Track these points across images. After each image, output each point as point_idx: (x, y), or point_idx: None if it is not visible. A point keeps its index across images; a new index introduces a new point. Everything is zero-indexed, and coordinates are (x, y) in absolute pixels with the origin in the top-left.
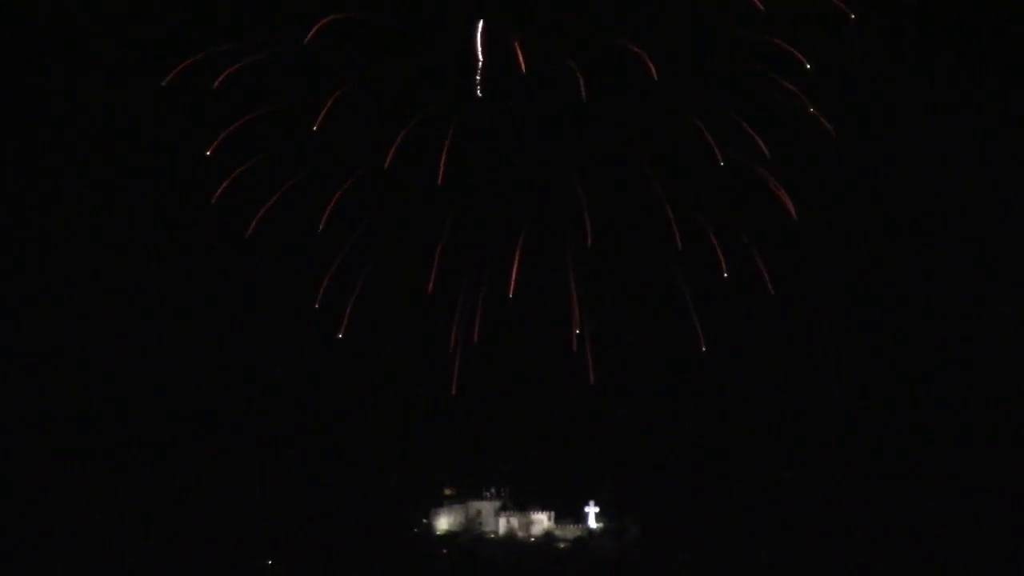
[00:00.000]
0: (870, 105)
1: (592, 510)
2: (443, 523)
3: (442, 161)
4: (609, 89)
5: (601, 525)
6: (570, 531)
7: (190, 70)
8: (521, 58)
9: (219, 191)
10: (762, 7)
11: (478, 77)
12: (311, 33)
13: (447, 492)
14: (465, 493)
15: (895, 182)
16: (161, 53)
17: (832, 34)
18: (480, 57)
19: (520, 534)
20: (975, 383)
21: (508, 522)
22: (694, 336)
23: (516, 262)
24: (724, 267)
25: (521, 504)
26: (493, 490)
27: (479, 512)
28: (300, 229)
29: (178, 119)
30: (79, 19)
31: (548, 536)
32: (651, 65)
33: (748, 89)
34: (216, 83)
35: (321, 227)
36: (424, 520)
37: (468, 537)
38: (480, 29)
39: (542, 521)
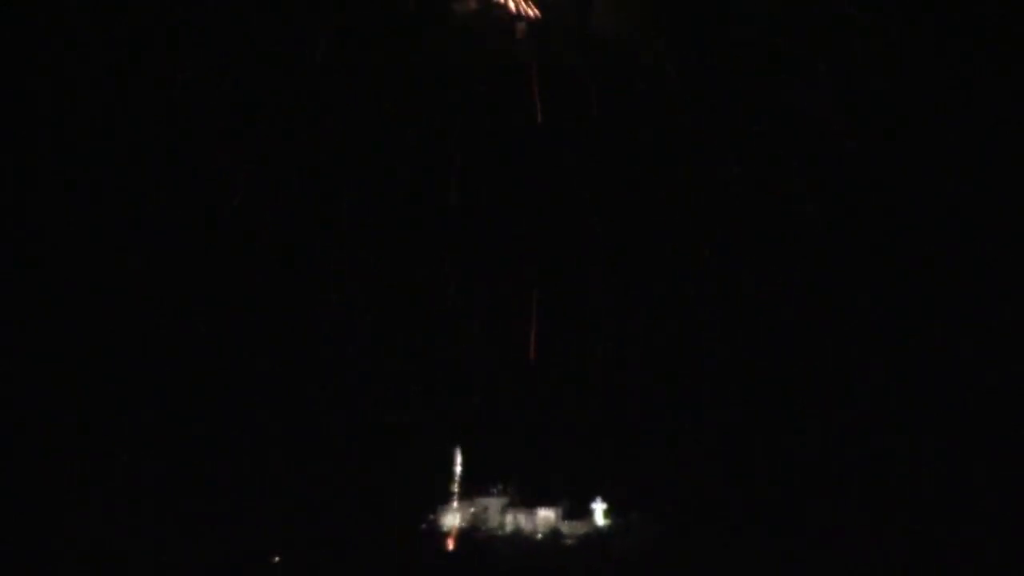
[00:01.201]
0: (889, 109)
1: (600, 507)
2: (449, 520)
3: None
4: (621, 94)
5: (609, 522)
6: (577, 528)
7: (189, 72)
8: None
9: (235, 201)
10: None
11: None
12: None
13: (453, 489)
14: (471, 490)
15: (918, 189)
16: (156, 54)
17: (845, 35)
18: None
19: (527, 531)
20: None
21: (515, 519)
22: (710, 341)
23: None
24: (745, 278)
25: (528, 501)
26: (500, 487)
27: (485, 509)
28: (305, 237)
29: (176, 122)
30: (77, 20)
31: (555, 533)
32: (669, 68)
33: (761, 94)
34: (216, 86)
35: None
36: (431, 516)
37: (475, 534)
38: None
39: (549, 518)
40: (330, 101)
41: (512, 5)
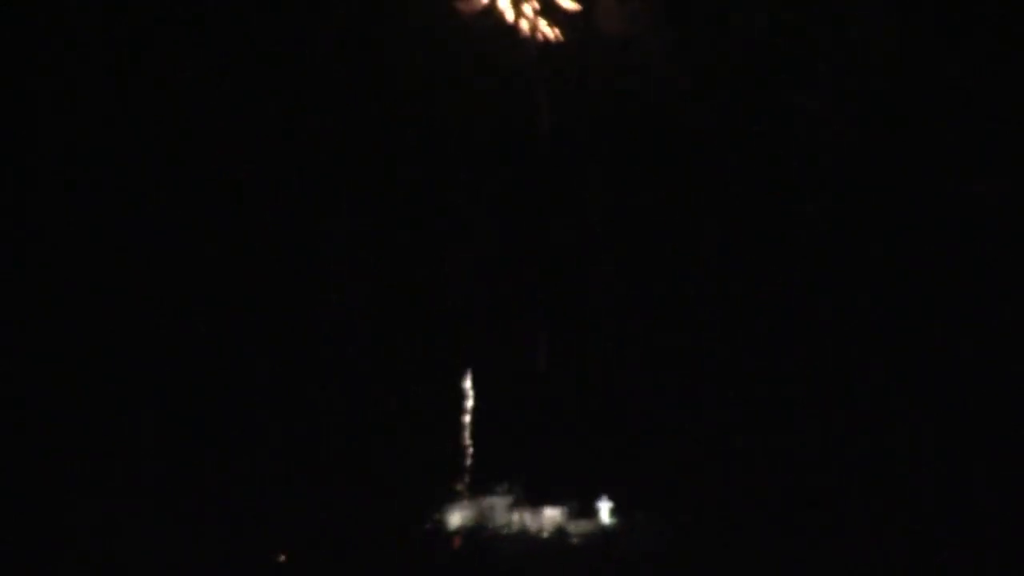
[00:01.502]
0: (889, 109)
1: (606, 506)
2: (454, 519)
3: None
4: (622, 96)
5: (615, 521)
6: (584, 527)
7: (189, 72)
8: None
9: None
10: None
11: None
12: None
13: (458, 488)
14: (477, 489)
15: (918, 188)
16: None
17: (845, 35)
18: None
19: (532, 530)
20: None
21: (520, 518)
22: (714, 339)
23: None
24: (746, 277)
25: (533, 500)
26: (505, 485)
27: (491, 508)
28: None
29: (176, 121)
30: (77, 20)
31: (561, 532)
32: (670, 70)
33: (762, 95)
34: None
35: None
36: (436, 516)
37: (480, 533)
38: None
39: (555, 517)
40: (332, 101)
41: (527, 27)
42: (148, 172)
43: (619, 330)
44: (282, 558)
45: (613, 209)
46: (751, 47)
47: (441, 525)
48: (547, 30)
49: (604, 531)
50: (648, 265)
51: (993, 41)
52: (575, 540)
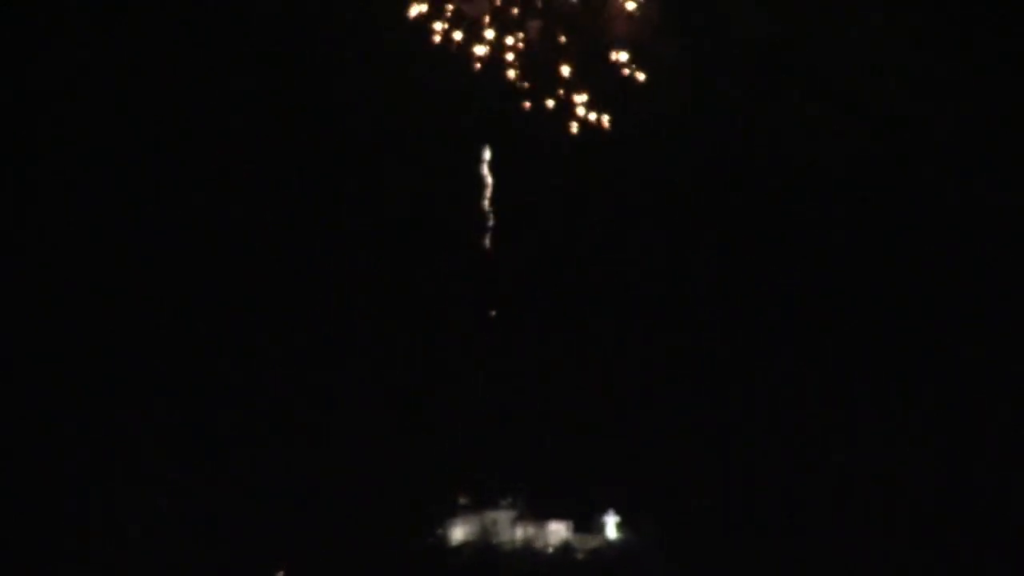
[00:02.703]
0: (890, 111)
1: (612, 520)
2: (459, 533)
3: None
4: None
5: (621, 536)
6: (588, 541)
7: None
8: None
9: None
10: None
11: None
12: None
13: (462, 501)
14: (481, 502)
15: (918, 189)
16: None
17: (846, 38)
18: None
19: (537, 544)
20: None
21: (525, 532)
22: (714, 343)
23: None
24: (744, 277)
25: (538, 514)
26: (510, 499)
27: (495, 522)
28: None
29: (180, 122)
30: (77, 20)
31: (566, 546)
32: (672, 71)
33: (763, 97)
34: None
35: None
36: (439, 530)
37: (484, 548)
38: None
39: (560, 531)
40: (336, 105)
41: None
42: (148, 172)
43: (626, 341)
44: (280, 574)
45: (615, 212)
46: (752, 53)
47: (444, 539)
48: (587, 111)
49: (611, 545)
50: (649, 266)
51: (993, 44)
52: (580, 555)
